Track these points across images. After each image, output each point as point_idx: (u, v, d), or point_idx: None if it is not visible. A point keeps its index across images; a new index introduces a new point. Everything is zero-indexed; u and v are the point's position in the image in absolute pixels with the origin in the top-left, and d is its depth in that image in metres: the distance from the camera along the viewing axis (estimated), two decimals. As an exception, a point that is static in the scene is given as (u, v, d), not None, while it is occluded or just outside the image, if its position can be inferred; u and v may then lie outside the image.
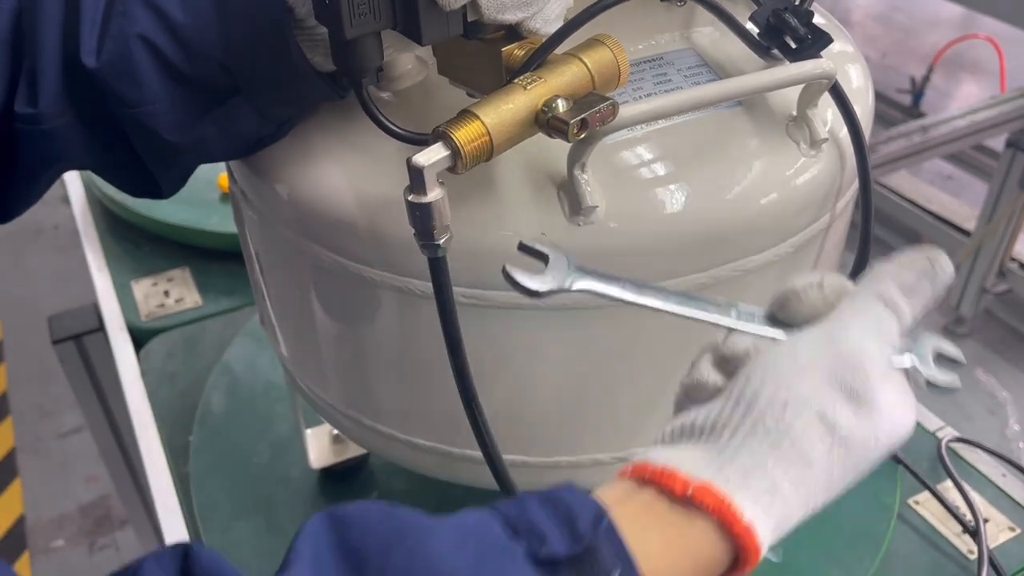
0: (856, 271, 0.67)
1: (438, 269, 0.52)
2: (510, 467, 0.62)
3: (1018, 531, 0.90)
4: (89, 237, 1.33)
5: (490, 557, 0.38)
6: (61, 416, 2.41)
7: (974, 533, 0.88)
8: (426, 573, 0.36)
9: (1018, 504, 0.93)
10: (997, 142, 2.72)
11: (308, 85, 0.54)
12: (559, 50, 0.53)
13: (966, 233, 2.62)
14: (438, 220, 0.49)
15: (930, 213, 2.69)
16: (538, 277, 0.47)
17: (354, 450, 0.93)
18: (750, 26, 0.61)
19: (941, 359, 0.48)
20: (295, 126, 0.62)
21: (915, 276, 0.47)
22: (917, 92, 3.26)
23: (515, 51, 0.52)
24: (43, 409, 2.46)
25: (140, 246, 1.31)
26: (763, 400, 0.43)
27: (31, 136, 0.55)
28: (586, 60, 0.52)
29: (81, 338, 1.26)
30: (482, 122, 0.48)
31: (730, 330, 0.48)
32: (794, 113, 0.62)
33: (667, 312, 0.48)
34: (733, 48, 0.63)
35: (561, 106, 0.50)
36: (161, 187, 0.63)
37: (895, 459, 0.95)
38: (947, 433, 1.00)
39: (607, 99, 0.51)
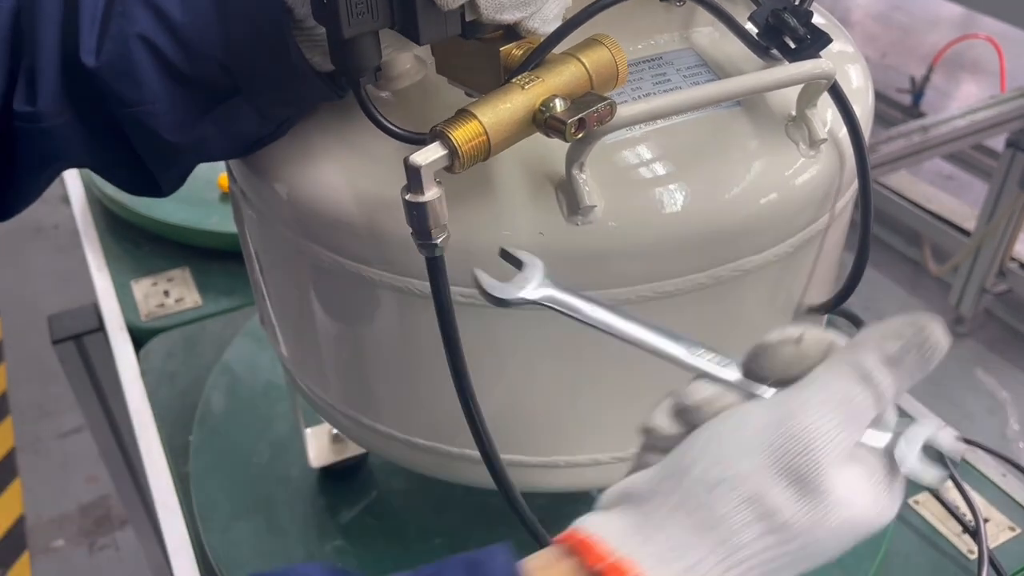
0: (856, 271, 0.67)
1: (436, 268, 0.52)
2: (509, 467, 0.62)
3: (1018, 531, 0.90)
4: (89, 237, 1.33)
5: None
6: (61, 416, 2.41)
7: (974, 533, 0.88)
8: None
9: (1018, 504, 0.93)
10: (997, 142, 2.72)
11: (307, 85, 0.54)
12: (557, 50, 0.53)
13: (966, 233, 2.62)
14: (435, 219, 0.49)
15: (930, 213, 2.69)
16: (505, 285, 0.47)
17: (353, 449, 0.93)
18: (749, 26, 0.61)
19: (932, 451, 0.44)
20: (294, 125, 0.62)
21: (901, 347, 0.43)
22: (917, 92, 3.25)
23: (513, 51, 0.52)
24: (43, 409, 2.46)
25: (140, 246, 1.32)
26: (695, 473, 0.40)
27: (30, 134, 0.55)
28: (584, 60, 0.52)
29: (81, 338, 1.26)
30: (480, 122, 0.48)
31: (700, 376, 0.45)
32: (793, 113, 0.62)
33: (631, 340, 0.47)
34: (732, 48, 0.63)
35: (559, 106, 0.50)
36: (161, 186, 0.63)
37: (895, 459, 0.95)
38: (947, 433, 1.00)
39: (605, 99, 0.51)
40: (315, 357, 0.74)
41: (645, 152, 0.59)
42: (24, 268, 2.96)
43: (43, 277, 2.89)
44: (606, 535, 0.40)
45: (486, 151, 0.49)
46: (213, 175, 1.33)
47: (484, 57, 0.53)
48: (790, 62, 0.59)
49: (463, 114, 0.49)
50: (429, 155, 0.48)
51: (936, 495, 0.92)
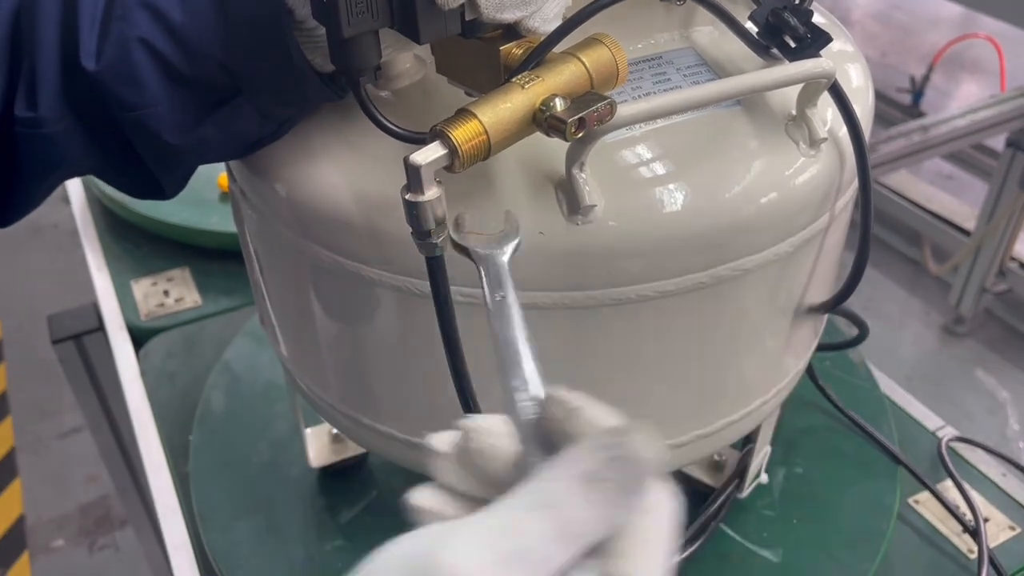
0: (856, 271, 0.68)
1: (435, 268, 0.52)
2: (509, 466, 0.62)
3: (1018, 530, 0.90)
4: (88, 236, 1.33)
5: None
6: (61, 416, 2.42)
7: (974, 532, 0.88)
8: None
9: (1018, 503, 0.93)
10: (997, 141, 2.72)
11: (308, 86, 0.54)
12: (557, 49, 0.53)
13: (966, 233, 2.62)
14: (435, 219, 0.49)
15: (930, 213, 2.70)
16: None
17: (353, 449, 0.93)
18: (750, 25, 0.61)
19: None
20: (295, 125, 0.62)
21: (600, 464, 0.33)
22: (917, 91, 3.25)
23: (513, 50, 0.52)
24: (43, 409, 2.46)
25: (140, 245, 1.32)
26: None
27: (31, 140, 0.55)
28: (584, 59, 0.52)
29: (81, 338, 1.26)
30: (480, 121, 0.48)
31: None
32: (793, 112, 0.62)
33: (495, 342, 0.44)
34: (732, 47, 0.63)
35: (559, 105, 0.49)
36: (163, 188, 0.63)
37: (895, 459, 0.95)
38: (947, 432, 1.00)
39: (605, 98, 0.51)
40: (315, 357, 0.74)
41: (645, 151, 0.59)
42: (24, 268, 2.95)
43: (43, 277, 2.89)
44: None
45: (486, 150, 0.49)
46: (213, 175, 1.33)
47: (484, 56, 0.53)
48: (790, 61, 0.59)
49: (463, 113, 0.49)
50: (429, 154, 0.48)
51: (936, 494, 0.92)
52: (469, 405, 0.58)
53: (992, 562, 0.85)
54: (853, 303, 0.73)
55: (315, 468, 0.93)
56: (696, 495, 0.89)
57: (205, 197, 1.33)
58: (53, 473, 2.32)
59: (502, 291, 0.46)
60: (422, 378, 0.65)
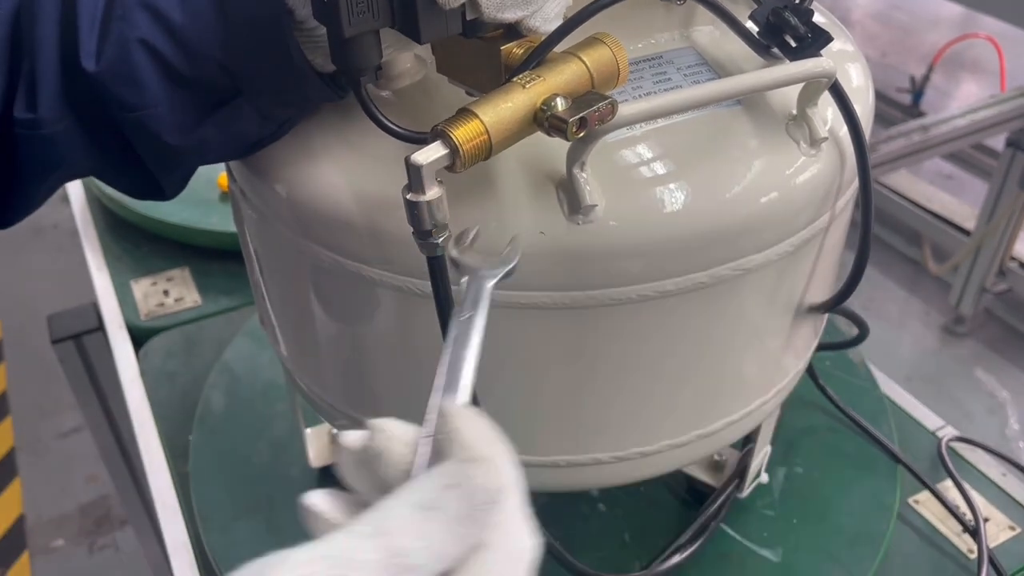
0: (856, 270, 0.67)
1: (436, 268, 0.52)
2: (509, 466, 0.62)
3: (1018, 530, 0.90)
4: (88, 236, 1.33)
5: None
6: (60, 416, 2.41)
7: (974, 532, 0.88)
8: None
9: (1018, 503, 0.93)
10: (997, 141, 2.72)
11: (309, 86, 0.54)
12: (558, 48, 0.53)
13: (966, 232, 2.62)
14: (437, 219, 0.49)
15: (930, 212, 2.70)
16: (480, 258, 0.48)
17: (353, 449, 0.92)
18: (750, 25, 0.61)
19: None
20: (295, 126, 0.62)
21: (437, 493, 0.32)
22: (917, 91, 3.25)
23: (514, 49, 0.52)
24: (42, 409, 2.46)
25: (140, 245, 1.31)
26: None
27: (30, 141, 0.55)
28: (585, 59, 0.52)
29: (80, 337, 1.26)
30: (481, 121, 0.48)
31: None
32: (794, 112, 0.62)
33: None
34: (733, 47, 0.63)
35: (560, 105, 0.49)
36: (163, 189, 0.62)
37: (895, 459, 0.95)
38: (947, 432, 1.00)
39: (606, 97, 0.51)
40: (315, 357, 0.74)
41: (646, 151, 0.59)
42: (23, 268, 2.95)
43: (42, 277, 2.88)
44: None
45: (487, 150, 0.49)
46: (213, 174, 1.33)
47: (485, 56, 0.53)
48: (791, 61, 0.59)
49: (464, 113, 0.49)
50: (430, 154, 0.48)
51: (936, 494, 0.92)
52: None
53: (992, 562, 0.85)
54: (853, 303, 0.73)
55: (315, 468, 0.93)
56: (696, 495, 0.89)
57: (205, 197, 1.32)
58: (53, 473, 2.32)
59: (473, 312, 0.45)
60: (422, 378, 0.65)
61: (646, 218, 0.57)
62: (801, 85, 0.60)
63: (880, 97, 3.13)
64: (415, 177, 0.48)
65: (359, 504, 0.36)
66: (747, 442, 0.85)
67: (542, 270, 0.57)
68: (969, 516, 0.89)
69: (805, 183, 0.61)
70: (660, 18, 0.64)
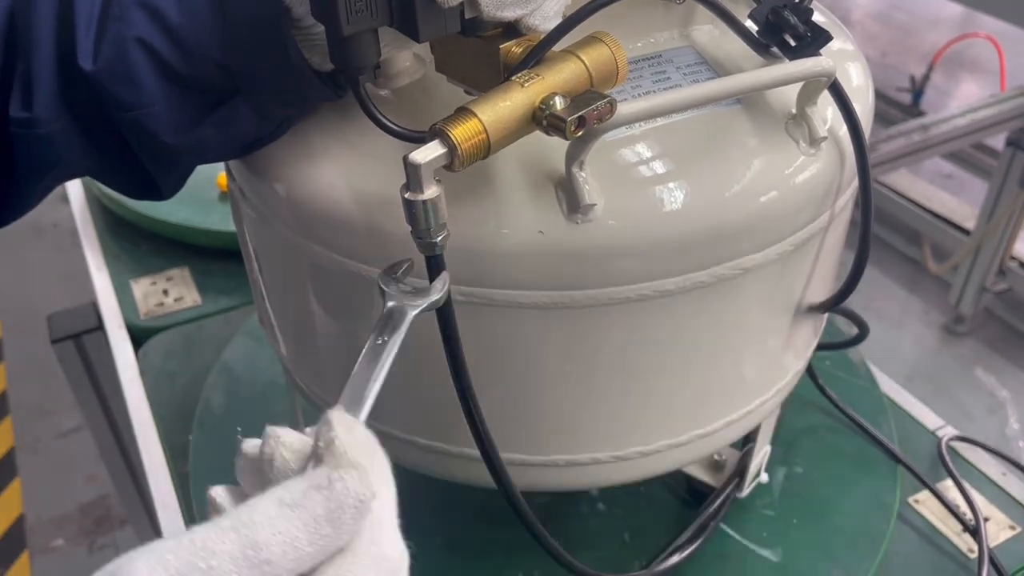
0: (856, 270, 0.67)
1: (435, 267, 0.52)
2: (508, 466, 0.62)
3: (1018, 530, 0.90)
4: (88, 236, 1.33)
5: None
6: (60, 415, 2.41)
7: (974, 532, 0.88)
8: None
9: (1018, 503, 0.93)
10: (997, 141, 2.72)
11: (307, 85, 0.54)
12: (557, 47, 0.52)
13: (966, 232, 2.62)
14: (435, 218, 0.49)
15: (930, 212, 2.70)
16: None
17: (353, 449, 0.92)
18: (750, 24, 0.61)
19: None
20: (293, 125, 0.62)
21: (300, 493, 0.33)
22: (917, 91, 3.25)
23: (513, 48, 0.52)
24: (42, 408, 2.46)
25: (139, 245, 1.31)
26: None
27: (26, 140, 0.54)
28: (584, 57, 0.52)
29: (80, 337, 1.26)
30: (479, 119, 0.48)
31: None
32: (793, 111, 0.62)
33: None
34: (732, 46, 0.63)
35: (558, 103, 0.49)
36: (161, 189, 0.62)
37: (895, 458, 0.95)
38: (947, 432, 1.00)
39: (605, 96, 0.50)
40: (314, 356, 0.74)
41: (645, 150, 0.58)
42: (23, 267, 2.95)
43: (42, 276, 2.89)
44: None
45: (486, 149, 0.49)
46: (212, 174, 1.33)
47: (484, 55, 0.53)
48: (790, 60, 0.59)
49: (462, 112, 0.48)
50: (428, 153, 0.48)
51: (936, 494, 0.92)
52: (468, 404, 0.58)
53: (992, 561, 0.85)
54: (853, 302, 0.73)
55: (315, 468, 0.93)
56: (696, 494, 0.89)
57: (205, 196, 1.32)
58: (53, 473, 2.32)
59: (389, 339, 0.47)
60: (422, 377, 0.65)
61: (645, 217, 0.56)
62: (800, 84, 0.60)
63: (880, 96, 3.13)
64: (413, 176, 0.48)
65: None
66: (747, 442, 0.85)
67: (541, 269, 0.57)
68: (969, 515, 0.89)
69: (804, 182, 0.61)
70: (659, 17, 0.64)
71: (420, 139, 0.49)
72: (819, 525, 0.88)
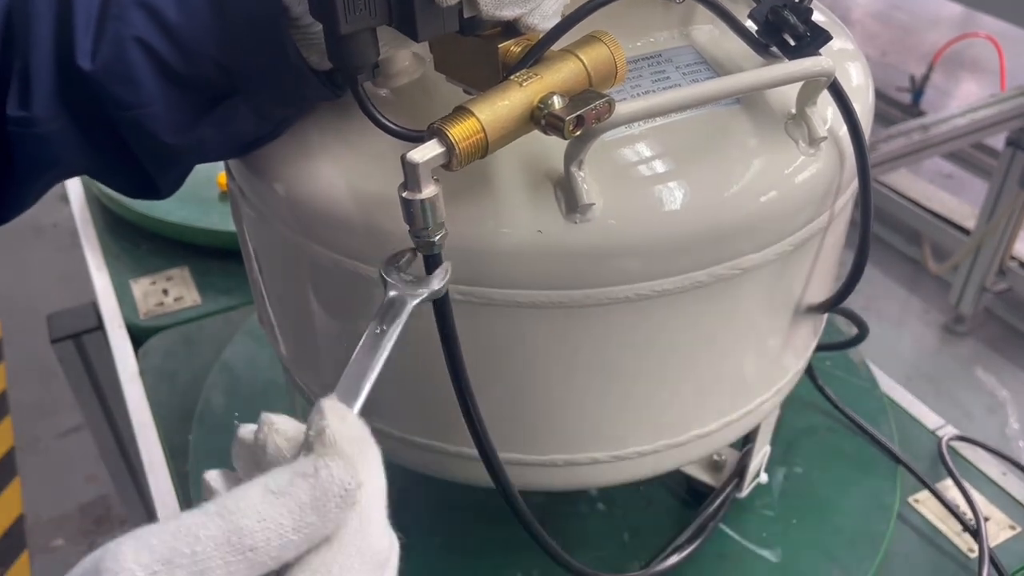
0: (855, 269, 0.67)
1: (433, 267, 0.52)
2: (507, 465, 0.62)
3: (1019, 529, 0.90)
4: (88, 236, 1.33)
5: None
6: (60, 415, 2.41)
7: (974, 532, 0.87)
8: None
9: (1018, 502, 0.93)
10: (997, 140, 2.72)
11: (306, 84, 0.54)
12: (556, 47, 0.52)
13: (966, 232, 2.62)
14: (433, 217, 0.49)
15: (930, 212, 2.69)
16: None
17: (352, 449, 0.92)
18: (749, 23, 0.61)
19: None
20: (292, 124, 0.62)
21: (286, 480, 0.33)
22: (917, 90, 3.25)
23: (511, 47, 0.52)
24: (42, 408, 2.46)
25: (139, 245, 1.31)
26: None
27: (23, 139, 0.54)
28: (583, 57, 0.51)
29: (80, 337, 1.26)
30: (477, 119, 0.48)
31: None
32: (793, 111, 0.62)
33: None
34: (732, 46, 0.63)
35: (557, 103, 0.49)
36: (159, 188, 0.62)
37: (895, 458, 0.95)
38: (947, 431, 1.00)
39: (603, 96, 0.50)
40: (313, 356, 0.73)
41: (644, 150, 0.58)
42: (23, 267, 2.95)
43: (42, 276, 2.89)
44: None
45: (483, 148, 0.49)
46: (212, 173, 1.33)
47: (482, 54, 0.53)
48: (790, 59, 0.59)
49: (460, 111, 0.48)
50: (426, 152, 0.47)
51: (936, 494, 0.92)
52: (467, 403, 0.58)
53: (992, 561, 0.85)
54: (853, 302, 0.73)
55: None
56: (695, 494, 0.89)
57: (204, 196, 1.32)
58: (52, 473, 2.32)
59: (388, 328, 0.47)
60: (420, 376, 0.65)
61: (644, 217, 0.56)
62: (800, 84, 0.60)
63: (880, 96, 3.13)
64: (411, 175, 0.48)
65: None
66: (746, 442, 0.85)
67: (539, 269, 0.57)
68: (969, 515, 0.89)
69: (804, 182, 0.61)
70: (659, 16, 0.64)
71: (418, 138, 0.49)
72: (819, 525, 0.88)
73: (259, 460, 0.38)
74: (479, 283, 0.58)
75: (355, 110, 0.53)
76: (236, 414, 0.98)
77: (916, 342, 2.70)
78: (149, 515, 1.37)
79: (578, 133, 0.50)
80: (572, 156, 0.54)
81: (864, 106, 0.66)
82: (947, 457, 0.95)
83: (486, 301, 0.58)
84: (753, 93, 0.61)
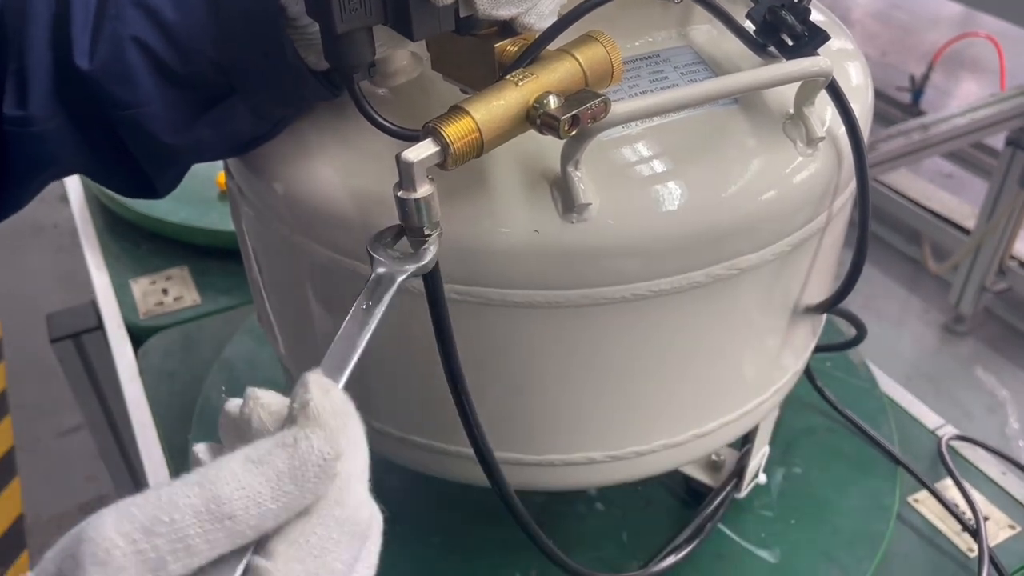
0: (854, 269, 0.67)
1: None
2: (504, 465, 0.61)
3: (1018, 529, 0.90)
4: (88, 235, 1.33)
5: None
6: (60, 415, 2.41)
7: (974, 531, 0.87)
8: None
9: (1018, 502, 0.93)
10: (997, 140, 2.72)
11: (303, 84, 0.54)
12: (552, 46, 0.52)
13: (966, 231, 2.62)
14: (428, 216, 0.49)
15: (930, 211, 2.69)
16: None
17: (351, 449, 0.92)
18: (747, 24, 0.61)
19: None
20: (290, 124, 0.62)
21: (266, 450, 0.33)
22: (917, 90, 3.25)
23: (508, 47, 0.52)
24: (42, 408, 2.46)
25: (139, 244, 1.31)
26: None
27: (20, 139, 0.54)
28: (579, 56, 0.51)
29: (80, 336, 1.26)
30: (472, 118, 0.48)
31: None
32: (791, 111, 0.61)
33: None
34: (730, 45, 0.63)
35: (552, 102, 0.49)
36: (156, 188, 0.62)
37: (894, 458, 0.94)
38: (947, 431, 1.00)
39: (599, 95, 0.50)
40: (312, 355, 0.73)
41: (642, 149, 0.58)
42: (23, 267, 2.95)
43: (42, 276, 2.89)
44: None
45: (479, 148, 0.49)
46: (212, 173, 1.33)
47: (479, 53, 0.53)
48: (787, 59, 0.59)
49: (456, 110, 0.48)
50: (421, 151, 0.47)
51: (936, 494, 0.92)
52: (463, 402, 0.58)
53: (992, 561, 0.85)
54: (853, 302, 0.73)
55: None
56: (694, 495, 0.89)
57: (204, 196, 1.32)
58: (52, 472, 2.32)
59: (374, 304, 0.46)
60: (417, 376, 0.65)
61: (641, 217, 0.56)
62: (798, 84, 0.60)
63: (880, 96, 3.13)
64: (406, 174, 0.48)
65: None
66: (745, 442, 0.85)
67: (536, 269, 0.57)
68: (969, 515, 0.89)
69: (802, 182, 0.61)
70: (657, 16, 0.64)
71: (414, 137, 0.49)
72: (818, 526, 0.88)
73: (244, 433, 0.38)
74: (475, 283, 0.57)
75: (353, 109, 0.53)
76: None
77: (916, 342, 2.70)
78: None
79: (573, 133, 0.50)
80: (568, 156, 0.54)
81: (863, 106, 0.66)
82: (947, 457, 0.95)
83: (482, 301, 0.58)
84: (751, 93, 0.61)
